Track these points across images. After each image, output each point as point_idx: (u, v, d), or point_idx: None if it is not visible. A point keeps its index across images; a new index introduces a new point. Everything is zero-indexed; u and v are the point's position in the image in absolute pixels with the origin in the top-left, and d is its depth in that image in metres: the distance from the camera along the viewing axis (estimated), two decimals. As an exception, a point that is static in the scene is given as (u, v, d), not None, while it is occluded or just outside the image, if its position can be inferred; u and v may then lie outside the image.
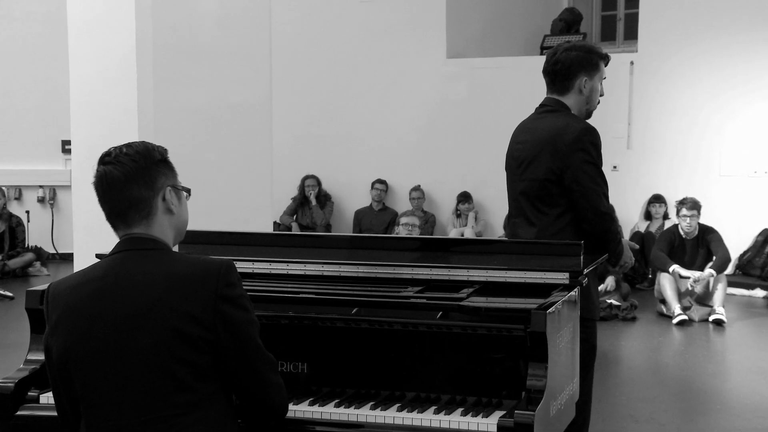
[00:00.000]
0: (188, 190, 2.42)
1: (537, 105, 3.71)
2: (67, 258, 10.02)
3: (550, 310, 2.45)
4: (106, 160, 2.31)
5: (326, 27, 11.43)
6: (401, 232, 8.11)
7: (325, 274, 2.95)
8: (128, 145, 2.34)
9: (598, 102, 3.66)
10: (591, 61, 3.58)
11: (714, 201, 9.48)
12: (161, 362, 2.15)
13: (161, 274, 2.21)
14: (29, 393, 2.67)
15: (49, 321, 2.28)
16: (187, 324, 2.16)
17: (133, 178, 2.28)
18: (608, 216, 3.43)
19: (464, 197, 10.82)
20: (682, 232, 8.34)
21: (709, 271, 8.07)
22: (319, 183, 11.25)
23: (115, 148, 2.33)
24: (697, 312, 7.96)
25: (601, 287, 8.03)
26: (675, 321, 7.80)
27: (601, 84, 3.64)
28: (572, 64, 3.56)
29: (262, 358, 2.27)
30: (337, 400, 2.56)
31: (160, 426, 2.15)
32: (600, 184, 3.43)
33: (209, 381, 2.20)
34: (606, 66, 3.66)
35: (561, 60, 3.57)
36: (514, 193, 3.64)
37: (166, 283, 2.20)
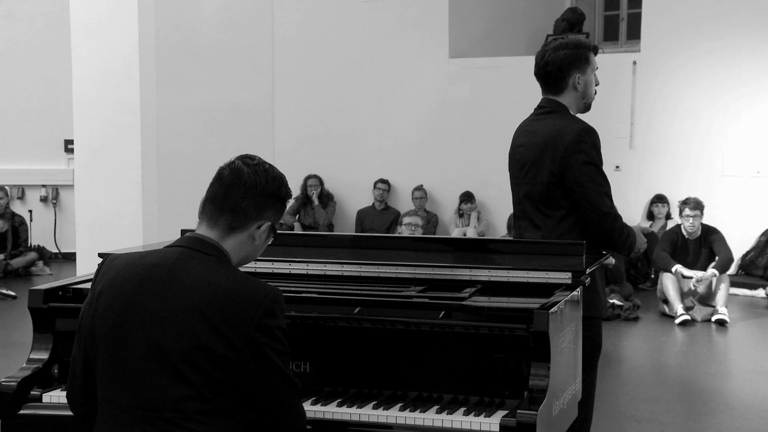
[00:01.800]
0: (276, 238, 2.45)
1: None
2: (70, 257, 10.03)
3: (552, 309, 2.45)
4: (246, 161, 2.37)
5: (329, 27, 11.43)
6: (404, 231, 8.12)
7: (328, 273, 2.95)
8: (271, 167, 2.42)
9: (595, 92, 3.65)
10: (581, 57, 3.56)
11: (717, 201, 9.47)
12: (181, 365, 2.15)
13: (210, 284, 2.21)
14: (32, 392, 2.68)
15: (93, 290, 2.30)
16: (217, 342, 2.16)
17: (253, 192, 2.33)
18: (611, 215, 3.42)
19: (467, 197, 10.82)
20: (684, 232, 8.34)
21: (711, 271, 8.07)
22: (321, 183, 11.25)
23: (261, 159, 2.41)
24: (699, 312, 7.96)
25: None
26: (677, 321, 7.80)
27: (594, 75, 3.62)
28: (563, 63, 3.54)
29: (287, 385, 2.26)
30: (339, 400, 2.56)
31: (169, 427, 2.16)
32: (601, 183, 3.42)
33: (226, 395, 2.20)
34: (596, 56, 3.64)
35: (551, 61, 3.55)
36: (518, 196, 3.63)
37: (212, 294, 2.19)
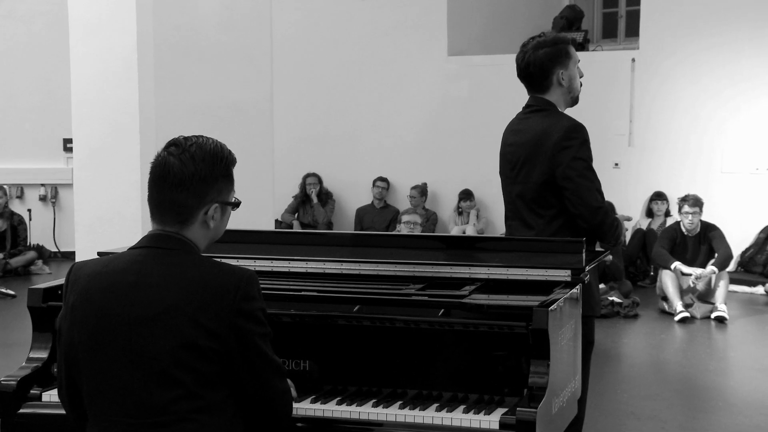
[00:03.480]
0: (237, 204, 2.36)
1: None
2: (69, 256, 10.03)
3: (552, 307, 2.45)
4: (171, 149, 2.26)
5: (328, 26, 11.43)
6: (403, 229, 8.12)
7: (327, 271, 2.95)
8: (200, 146, 2.27)
9: (581, 84, 3.65)
10: (561, 52, 3.56)
11: (716, 198, 9.47)
12: (168, 367, 2.14)
13: (181, 279, 2.18)
14: (32, 391, 2.68)
15: (66, 302, 2.27)
16: (200, 335, 2.14)
17: (186, 184, 2.22)
18: (602, 210, 3.42)
19: (466, 195, 10.82)
20: (684, 230, 8.34)
21: (710, 268, 8.07)
22: (320, 181, 11.26)
23: (187, 139, 2.28)
24: (699, 309, 7.96)
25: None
26: (677, 318, 7.80)
27: (578, 68, 3.62)
28: (544, 62, 3.54)
29: (271, 367, 2.25)
30: (339, 398, 2.56)
31: (163, 430, 2.15)
32: (591, 179, 3.42)
33: (216, 389, 2.19)
34: (576, 48, 3.64)
35: (532, 61, 3.55)
36: (509, 196, 3.63)
37: (185, 289, 2.17)
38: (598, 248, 3.48)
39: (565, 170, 3.38)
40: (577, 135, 3.42)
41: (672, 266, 8.12)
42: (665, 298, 8.16)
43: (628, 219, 9.57)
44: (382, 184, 11.20)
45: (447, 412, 2.45)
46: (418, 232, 8.16)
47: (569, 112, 3.63)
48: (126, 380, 2.16)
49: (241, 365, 2.20)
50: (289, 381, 2.45)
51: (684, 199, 8.36)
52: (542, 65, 3.53)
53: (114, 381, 2.18)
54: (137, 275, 2.20)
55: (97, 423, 2.22)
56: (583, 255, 2.93)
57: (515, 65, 3.62)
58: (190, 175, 2.23)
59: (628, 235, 9.94)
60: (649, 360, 6.74)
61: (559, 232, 3.44)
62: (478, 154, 10.62)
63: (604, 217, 3.42)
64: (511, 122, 3.68)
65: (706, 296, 8.11)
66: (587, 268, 2.86)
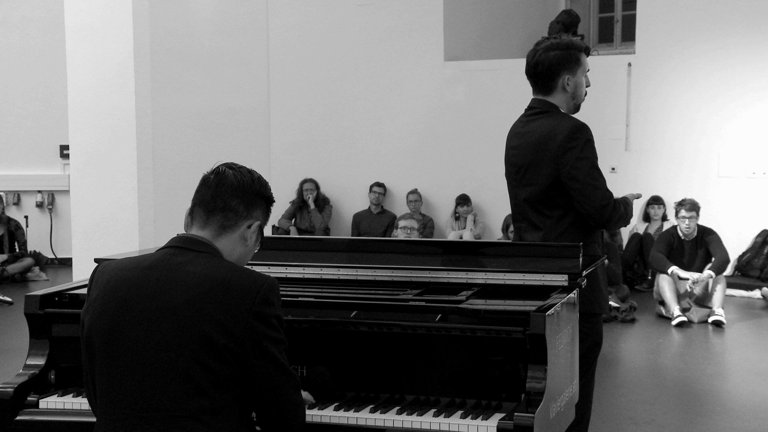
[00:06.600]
0: (263, 243, 2.47)
1: (532, 108, 3.70)
2: (66, 263, 10.01)
3: (549, 312, 2.45)
4: (230, 164, 2.43)
5: (323, 31, 11.43)
6: (400, 235, 8.12)
7: (324, 277, 2.95)
8: (254, 171, 2.46)
9: (585, 94, 3.65)
10: (571, 58, 3.56)
11: (712, 202, 9.48)
12: (182, 363, 2.16)
13: (205, 277, 2.23)
14: (28, 398, 2.67)
15: (89, 297, 2.32)
16: (217, 332, 2.18)
17: (241, 191, 2.37)
18: (608, 207, 3.43)
19: (463, 200, 10.83)
20: (680, 234, 8.35)
21: (708, 272, 8.07)
22: (317, 187, 11.25)
23: (242, 165, 2.46)
24: (696, 313, 7.96)
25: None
26: (674, 322, 7.80)
27: (585, 76, 3.63)
28: (552, 64, 3.54)
29: (285, 376, 2.27)
30: (336, 403, 2.56)
31: (169, 426, 2.16)
32: (596, 177, 3.43)
33: (226, 391, 2.21)
34: (588, 56, 3.65)
35: (541, 61, 3.56)
36: (516, 199, 3.64)
37: (207, 286, 2.22)
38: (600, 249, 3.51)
39: (570, 170, 3.40)
40: (581, 135, 3.44)
41: (669, 270, 8.12)
42: (662, 303, 8.16)
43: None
44: (379, 189, 11.19)
45: (444, 417, 2.45)
46: (415, 237, 8.15)
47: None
48: (139, 374, 2.18)
49: (253, 368, 2.22)
50: (305, 393, 2.46)
51: (681, 204, 8.37)
52: (550, 67, 3.54)
53: (127, 374, 2.20)
54: (163, 272, 2.26)
55: (106, 416, 2.23)
56: (580, 260, 2.93)
57: (525, 63, 3.62)
58: (248, 184, 2.38)
59: (625, 240, 9.95)
60: (646, 364, 6.74)
61: (567, 231, 3.45)
62: (474, 159, 10.65)
63: (611, 215, 3.45)
64: (514, 125, 3.68)
65: (703, 300, 8.11)
66: (584, 273, 2.87)
